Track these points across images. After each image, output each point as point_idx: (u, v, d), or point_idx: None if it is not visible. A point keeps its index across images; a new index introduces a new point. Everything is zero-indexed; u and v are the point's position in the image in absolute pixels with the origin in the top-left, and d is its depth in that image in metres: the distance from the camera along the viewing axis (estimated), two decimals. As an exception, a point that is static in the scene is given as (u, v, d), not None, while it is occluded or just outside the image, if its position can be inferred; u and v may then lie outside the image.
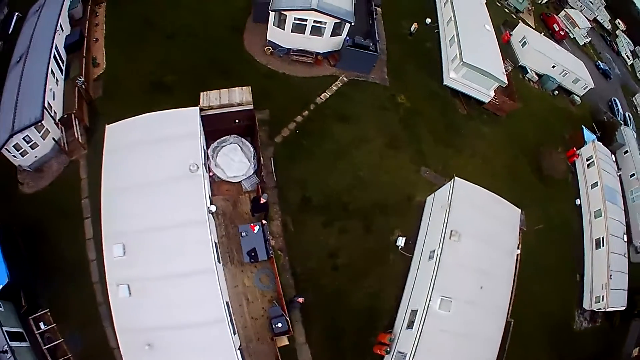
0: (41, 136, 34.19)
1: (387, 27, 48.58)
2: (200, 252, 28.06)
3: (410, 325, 31.39)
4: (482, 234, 33.71)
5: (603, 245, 43.64)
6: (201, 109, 33.72)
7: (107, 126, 31.74)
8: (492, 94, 47.76)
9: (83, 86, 37.47)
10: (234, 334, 27.58)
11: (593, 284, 42.66)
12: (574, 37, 69.14)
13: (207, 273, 27.55)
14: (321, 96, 43.62)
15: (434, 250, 32.73)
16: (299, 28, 42.93)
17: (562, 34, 67.25)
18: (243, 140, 36.91)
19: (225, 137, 36.70)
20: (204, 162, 31.48)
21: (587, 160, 49.72)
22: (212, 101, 34.25)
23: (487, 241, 33.74)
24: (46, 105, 34.09)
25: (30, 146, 34.05)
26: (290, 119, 41.62)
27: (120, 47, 42.01)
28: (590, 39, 71.21)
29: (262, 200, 32.33)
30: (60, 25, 39.17)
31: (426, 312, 30.05)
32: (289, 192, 38.01)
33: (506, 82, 47.43)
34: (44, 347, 29.42)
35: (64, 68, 39.02)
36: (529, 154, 48.37)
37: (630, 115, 65.61)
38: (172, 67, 41.18)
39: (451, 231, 32.53)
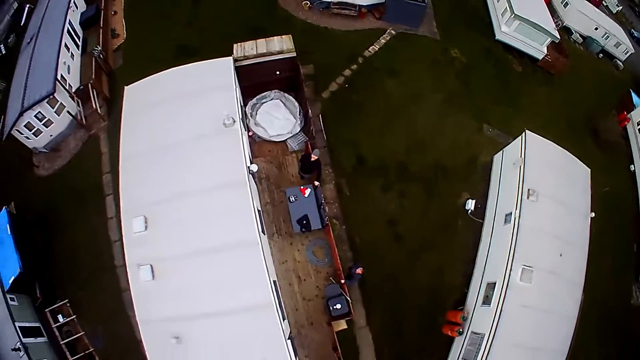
0: (55, 111, 28.97)
1: None
2: (240, 222, 20.91)
3: (486, 301, 25.13)
4: (557, 194, 27.35)
5: None
6: (235, 60, 26.27)
7: (125, 88, 25.26)
8: (545, 50, 40.85)
9: (101, 56, 31.77)
10: (283, 319, 20.67)
11: None
12: (607, 5, 61.65)
13: (249, 247, 20.37)
14: (369, 49, 35.77)
15: (511, 213, 26.26)
16: (340, -22, 34.81)
17: (597, 0, 59.27)
18: (286, 95, 29.29)
19: (265, 93, 29.11)
20: (241, 117, 24.02)
21: (638, 124, 42.18)
22: (247, 51, 26.76)
23: (563, 202, 27.32)
24: (59, 78, 28.82)
25: (44, 124, 28.90)
26: (338, 73, 33.79)
27: (140, 16, 36.00)
28: (621, 7, 63.70)
29: (314, 157, 24.28)
30: (74, 2, 33.83)
31: (507, 285, 23.94)
32: (342, 152, 30.48)
33: (559, 37, 40.92)
34: (61, 342, 24.61)
35: (80, 44, 33.23)
36: (583, 117, 41.12)
37: None
38: (199, 31, 34.72)
39: (528, 190, 26.23)
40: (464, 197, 30.61)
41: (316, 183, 25.35)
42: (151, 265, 20.10)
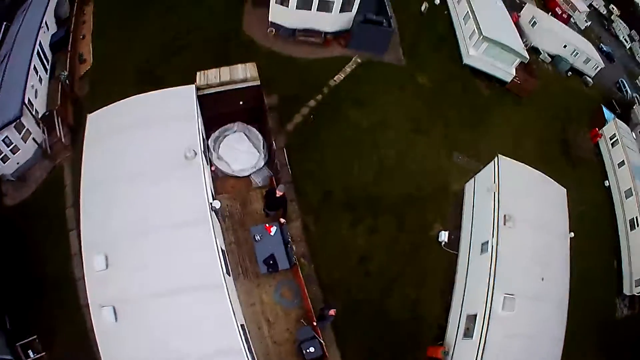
0: (22, 137, 27.65)
1: (396, 7, 39.29)
2: (204, 262, 19.28)
3: (467, 333, 23.83)
4: (535, 217, 26.20)
5: (638, 226, 35.95)
6: (198, 88, 24.40)
7: (88, 115, 23.52)
8: (514, 72, 39.96)
9: (67, 82, 30.44)
10: None
11: (632, 267, 34.94)
12: (575, 22, 61.18)
13: (214, 289, 18.80)
14: (334, 78, 34.31)
15: (487, 242, 24.94)
16: (305, 4, 33.82)
17: (565, 17, 59.51)
18: (249, 127, 27.59)
19: (228, 125, 27.40)
20: (202, 149, 22.28)
21: (611, 139, 41.90)
22: (210, 80, 24.91)
23: (541, 225, 26.21)
24: (27, 102, 27.85)
25: (10, 150, 27.47)
26: (302, 104, 32.25)
27: (107, 41, 34.43)
28: (590, 22, 63.56)
29: (279, 193, 22.71)
30: (46, 23, 33.18)
31: (489, 316, 22.67)
32: (308, 186, 28.85)
33: (528, 57, 40.05)
34: None
35: (49, 68, 32.32)
36: (555, 136, 40.59)
37: (638, 96, 56.99)
38: (164, 57, 33.09)
39: (504, 216, 24.95)
40: (436, 228, 29.36)
41: (282, 220, 23.67)
42: (114, 307, 18.24)
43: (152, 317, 18.40)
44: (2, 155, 27.10)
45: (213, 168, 26.03)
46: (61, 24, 35.04)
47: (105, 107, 23.50)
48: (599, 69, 50.93)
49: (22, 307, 24.65)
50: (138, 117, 23.01)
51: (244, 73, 25.39)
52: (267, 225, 23.40)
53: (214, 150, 26.32)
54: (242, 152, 26.52)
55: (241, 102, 26.43)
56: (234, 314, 18.54)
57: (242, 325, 19.35)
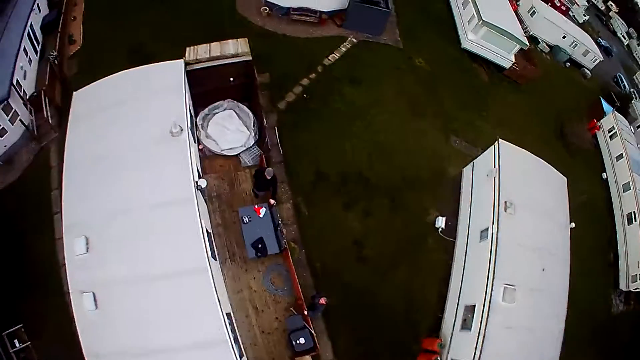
0: (9, 119, 25.81)
1: None
2: (188, 245, 17.72)
3: (465, 325, 22.42)
4: (535, 205, 24.79)
5: (635, 221, 34.82)
6: (187, 63, 22.97)
7: (74, 93, 22.21)
8: (513, 58, 38.91)
9: (55, 61, 28.67)
10: (240, 356, 17.48)
11: (629, 262, 33.86)
12: (573, 15, 60.39)
13: (199, 274, 17.24)
14: (329, 58, 32.86)
15: (487, 229, 23.58)
16: (300, -19, 32.14)
17: (563, 9, 58.35)
18: (240, 105, 25.94)
19: (217, 103, 25.75)
20: (190, 126, 20.66)
21: (609, 131, 40.78)
22: (200, 54, 23.49)
23: (541, 214, 24.82)
24: (14, 83, 25.89)
25: None
26: (295, 82, 30.70)
27: (98, 22, 32.57)
28: (588, 17, 62.76)
29: (268, 177, 21.31)
30: (38, 5, 31.06)
31: (488, 307, 21.22)
32: (299, 167, 27.19)
33: (527, 43, 38.93)
34: None
35: (39, 49, 30.34)
36: (553, 125, 39.48)
37: (635, 92, 56.79)
38: (155, 36, 31.28)
39: (505, 202, 23.59)
40: (432, 214, 27.84)
41: (272, 201, 22.14)
42: (94, 293, 16.92)
43: (134, 304, 17.03)
44: None
45: (201, 147, 24.55)
46: (53, 6, 33.18)
47: (91, 84, 22.19)
48: (597, 62, 50.09)
49: (7, 295, 22.80)
50: (124, 94, 21.54)
51: (235, 48, 24.04)
52: (256, 206, 21.88)
53: (202, 129, 24.79)
54: (230, 131, 24.94)
55: (231, 79, 25.00)
56: (219, 301, 17.07)
57: (228, 314, 17.98)
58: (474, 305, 22.02)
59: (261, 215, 21.63)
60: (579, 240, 26.79)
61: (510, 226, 23.07)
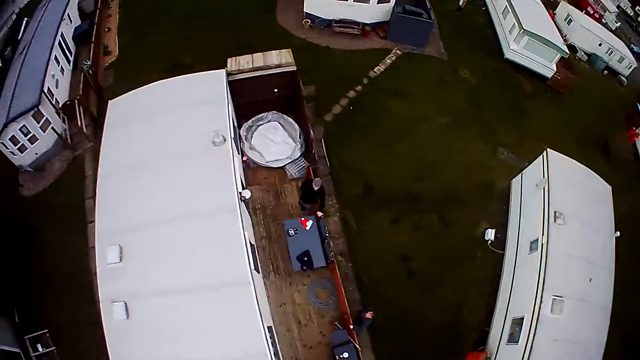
0: (40, 127, 25.07)
1: (433, 2, 35.82)
2: (229, 257, 16.03)
3: (512, 338, 20.52)
4: (583, 214, 22.82)
5: None
6: (229, 74, 21.50)
7: (110, 101, 20.98)
8: (554, 67, 36.50)
9: (90, 71, 27.75)
10: None
11: None
12: (606, 22, 57.14)
13: (240, 286, 15.58)
14: (374, 70, 31.02)
15: (537, 240, 21.73)
16: (341, -6, 30.60)
17: (597, 16, 55.71)
18: (285, 117, 24.29)
19: (261, 115, 24.12)
20: (233, 137, 19.19)
21: None
22: (242, 65, 22.09)
23: (588, 223, 22.78)
24: (46, 91, 25.17)
25: (28, 139, 24.85)
26: (341, 94, 29.01)
27: (134, 33, 31.87)
28: (619, 23, 59.44)
29: (316, 188, 19.52)
30: (69, 15, 30.57)
31: (536, 319, 19.46)
32: (347, 180, 25.47)
33: (568, 52, 36.70)
34: None
35: (71, 59, 29.95)
36: (594, 134, 36.52)
37: None
38: (194, 50, 30.11)
39: (555, 213, 21.72)
40: (482, 226, 25.86)
41: (319, 214, 20.35)
42: (125, 303, 15.45)
43: (167, 316, 15.48)
44: (20, 145, 24.75)
45: (245, 158, 22.91)
46: (85, 17, 32.66)
47: (128, 93, 20.91)
48: (632, 68, 47.24)
49: (34, 301, 22.18)
50: (162, 103, 20.20)
51: (279, 59, 22.60)
52: (302, 219, 20.14)
53: (246, 140, 23.20)
54: (276, 143, 23.37)
55: (275, 90, 23.45)
56: (261, 314, 15.34)
57: (269, 327, 16.53)
58: (522, 318, 20.26)
59: (307, 228, 19.90)
60: (621, 250, 24.34)
61: (560, 236, 21.30)
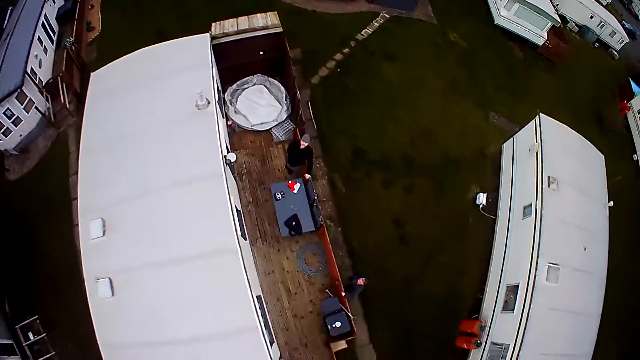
0: (24, 108, 24.11)
1: None
2: (215, 224, 15.05)
3: (507, 306, 20.00)
4: (577, 181, 22.17)
5: None
6: (213, 37, 20.36)
7: (92, 74, 19.67)
8: (545, 35, 35.75)
9: (73, 48, 26.47)
10: (271, 343, 14.93)
11: None
12: (597, -4, 56.37)
13: (226, 255, 14.58)
14: (362, 33, 29.77)
15: (530, 205, 21.09)
16: (329, -42, 29.35)
17: None
18: (270, 79, 22.95)
19: (246, 78, 22.80)
20: (217, 100, 17.99)
21: (639, 112, 37.06)
22: (227, 29, 20.83)
23: (582, 190, 22.23)
24: (29, 71, 24.36)
25: (13, 122, 23.95)
26: (328, 57, 27.65)
27: (118, 8, 30.26)
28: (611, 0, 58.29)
29: (303, 144, 18.25)
30: None
31: (532, 286, 18.76)
32: (335, 143, 24.28)
33: (559, 20, 36.45)
34: None
35: (55, 39, 28.96)
36: (586, 104, 36.01)
37: None
38: (179, 19, 28.76)
39: (549, 177, 21.05)
40: (473, 190, 25.02)
41: (307, 176, 19.23)
42: (110, 279, 14.54)
43: (154, 290, 14.57)
44: (4, 129, 23.78)
45: (229, 122, 21.74)
46: None
47: (110, 63, 19.72)
48: (624, 43, 46.30)
49: (23, 286, 21.30)
50: (146, 71, 18.96)
51: (264, 21, 21.35)
52: (289, 182, 19.13)
53: (230, 104, 21.97)
54: (262, 106, 22.12)
55: (261, 52, 22.17)
56: (249, 283, 14.42)
57: (258, 297, 15.43)
58: (517, 285, 19.61)
59: (295, 191, 18.94)
60: (612, 221, 23.93)
61: (554, 202, 20.57)
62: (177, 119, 16.91)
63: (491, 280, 21.99)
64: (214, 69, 19.09)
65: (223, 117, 19.80)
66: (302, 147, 18.16)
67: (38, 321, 20.32)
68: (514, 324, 18.58)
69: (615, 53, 45.91)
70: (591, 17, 44.53)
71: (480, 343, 19.87)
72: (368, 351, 19.80)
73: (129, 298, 14.42)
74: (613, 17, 48.17)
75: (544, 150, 21.84)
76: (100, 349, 14.07)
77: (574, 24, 44.89)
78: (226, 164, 15.95)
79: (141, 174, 16.06)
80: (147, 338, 14.15)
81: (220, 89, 20.78)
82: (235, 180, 19.24)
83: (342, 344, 18.34)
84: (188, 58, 18.94)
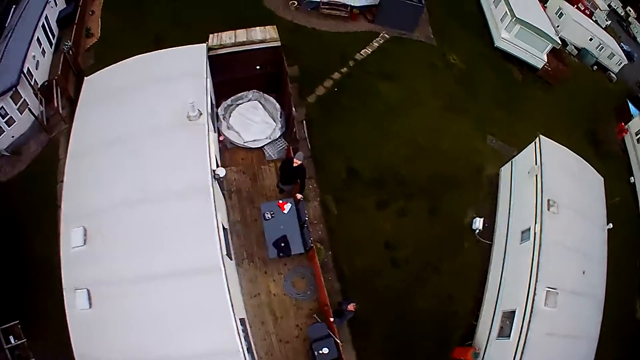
0: (18, 109, 23.04)
1: None
2: (200, 241, 13.90)
3: (503, 332, 18.96)
4: (576, 204, 21.23)
5: None
6: (210, 48, 19.39)
7: (85, 78, 18.76)
8: (545, 58, 35.06)
9: (70, 52, 25.51)
10: None
11: None
12: (596, 20, 55.04)
13: (210, 274, 13.47)
14: (361, 52, 28.92)
15: (529, 229, 20.14)
16: (330, -25, 28.59)
17: (588, 13, 53.98)
18: (266, 96, 21.92)
19: (241, 94, 21.78)
20: (210, 112, 16.83)
21: (637, 134, 36.34)
22: (224, 40, 19.92)
23: (582, 213, 21.30)
24: (25, 71, 23.33)
25: (6, 122, 22.92)
26: (326, 75, 26.71)
27: (118, 16, 29.51)
28: (610, 22, 58.01)
29: (297, 162, 17.18)
30: None
31: (530, 312, 17.81)
32: (329, 163, 23.17)
33: (559, 42, 35.70)
34: None
35: (54, 42, 27.99)
36: (583, 127, 35.30)
37: None
38: (177, 29, 27.82)
39: (548, 201, 20.09)
40: (469, 215, 24.04)
41: (299, 196, 18.16)
42: (88, 290, 13.48)
43: (132, 305, 13.44)
44: None
45: (221, 138, 20.74)
46: (70, 1, 30.55)
47: (104, 69, 18.79)
48: (622, 65, 45.78)
49: (6, 289, 19.91)
50: (139, 78, 18.00)
51: (263, 34, 20.44)
52: (280, 201, 17.98)
53: (223, 120, 21.01)
54: (255, 123, 21.15)
55: (258, 67, 21.23)
56: (232, 304, 13.28)
57: (241, 319, 14.39)
58: (514, 311, 18.64)
59: (286, 212, 17.74)
60: (610, 242, 22.88)
61: (553, 226, 19.65)
62: (167, 129, 15.98)
63: (486, 306, 21.00)
64: (209, 80, 18.21)
65: (215, 131, 18.89)
66: (295, 165, 17.15)
67: (19, 325, 19.32)
68: (510, 350, 17.66)
69: (613, 75, 45.40)
70: (590, 40, 44.10)
71: (474, 370, 18.74)
72: (356, 380, 18.82)
73: (107, 312, 13.37)
74: (612, 38, 47.84)
75: (543, 172, 20.97)
76: (76, 363, 13.18)
77: (573, 47, 44.38)
78: (215, 178, 15.00)
79: (127, 184, 15.06)
80: (124, 355, 13.10)
81: (214, 102, 19.92)
82: (224, 198, 18.28)
83: (328, 372, 17.35)
84: (183, 67, 18.08)
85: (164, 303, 13.26)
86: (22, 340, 18.99)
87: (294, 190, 18.61)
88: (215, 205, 14.24)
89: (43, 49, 26.09)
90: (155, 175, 15.02)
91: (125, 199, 14.68)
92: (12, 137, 23.45)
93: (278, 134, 21.15)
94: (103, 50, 27.30)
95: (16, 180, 23.01)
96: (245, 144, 20.67)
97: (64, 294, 13.83)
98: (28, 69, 23.71)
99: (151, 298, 13.34)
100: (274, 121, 21.20)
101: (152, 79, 17.66)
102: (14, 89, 22.14)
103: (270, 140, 20.97)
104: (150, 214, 14.38)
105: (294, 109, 20.61)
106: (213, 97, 19.66)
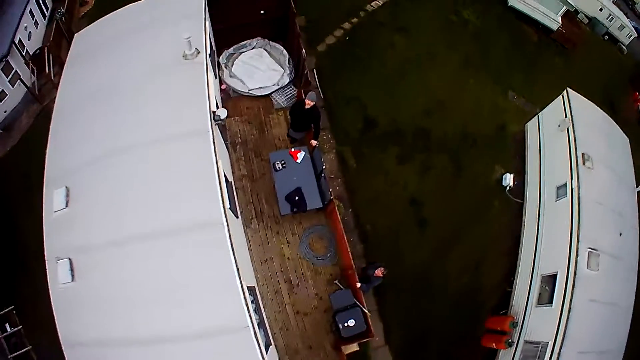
0: (9, 81, 21.47)
1: None
2: (198, 193, 11.27)
3: (543, 299, 16.81)
4: (608, 161, 19.30)
5: None
6: (207, -9, 16.57)
7: (75, 35, 16.91)
8: (560, 20, 32.58)
9: (63, 19, 24.13)
10: (267, 346, 11.26)
11: None
12: (603, -4, 54.03)
13: (210, 231, 10.73)
14: (371, 4, 26.07)
15: (565, 184, 18.07)
16: None
17: None
18: (272, 43, 19.09)
19: (245, 42, 18.93)
20: (209, 54, 14.06)
21: None
22: (223, -15, 17.09)
23: (614, 171, 19.34)
24: (17, 42, 21.89)
25: None
26: (335, 25, 23.92)
27: None
28: None
29: (309, 104, 14.31)
30: None
31: (574, 275, 15.65)
32: (344, 113, 20.47)
33: (574, 5, 34.40)
34: (10, 356, 17.25)
35: (47, 14, 25.89)
36: (601, 93, 31.79)
37: None
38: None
39: (583, 154, 18.03)
40: (498, 171, 21.54)
41: (313, 142, 15.41)
42: (70, 260, 11.04)
43: (120, 275, 10.91)
44: None
45: (224, 87, 17.95)
46: None
47: (95, 22, 17.06)
48: (632, 38, 43.85)
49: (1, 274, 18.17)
50: (132, 25, 15.63)
51: (266, -23, 17.60)
52: (292, 149, 15.25)
53: (225, 68, 18.17)
54: (261, 70, 18.37)
55: (262, 12, 18.35)
56: (238, 270, 10.50)
57: (251, 289, 12.01)
58: (555, 275, 16.55)
59: (299, 161, 15.11)
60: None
61: (589, 182, 17.71)
62: (162, 72, 13.49)
63: (522, 271, 18.80)
64: (207, 22, 15.49)
65: (216, 77, 16.30)
66: (307, 107, 14.37)
67: (14, 312, 17.37)
68: (552, 319, 15.59)
69: (624, 47, 43.56)
70: (600, 10, 42.10)
71: (513, 342, 16.70)
72: (383, 354, 16.35)
73: (92, 285, 10.92)
74: (621, 12, 45.60)
75: (575, 125, 18.90)
76: (63, 348, 10.65)
77: (584, 15, 42.19)
78: (215, 121, 12.25)
79: (114, 133, 12.64)
80: (115, 335, 10.59)
81: (214, 48, 17.15)
82: (228, 149, 15.58)
83: (352, 347, 14.64)
84: (179, 10, 15.50)
85: (157, 271, 10.85)
86: (18, 327, 17.18)
87: (307, 139, 15.99)
88: (215, 151, 11.63)
89: (36, 20, 24.36)
90: (146, 121, 12.70)
91: (113, 150, 12.28)
92: (5, 112, 21.78)
93: (287, 80, 18.35)
94: (98, 17, 24.71)
95: (8, 155, 21.10)
96: (250, 91, 17.89)
97: (47, 267, 11.56)
98: (19, 39, 22.12)
99: (143, 265, 10.93)
100: (282, 67, 18.46)
101: (145, 25, 15.38)
102: (4, 60, 20.49)
103: (278, 87, 18.22)
104: (140, 165, 12.03)
105: (304, 50, 17.71)
106: (213, 43, 16.98)
